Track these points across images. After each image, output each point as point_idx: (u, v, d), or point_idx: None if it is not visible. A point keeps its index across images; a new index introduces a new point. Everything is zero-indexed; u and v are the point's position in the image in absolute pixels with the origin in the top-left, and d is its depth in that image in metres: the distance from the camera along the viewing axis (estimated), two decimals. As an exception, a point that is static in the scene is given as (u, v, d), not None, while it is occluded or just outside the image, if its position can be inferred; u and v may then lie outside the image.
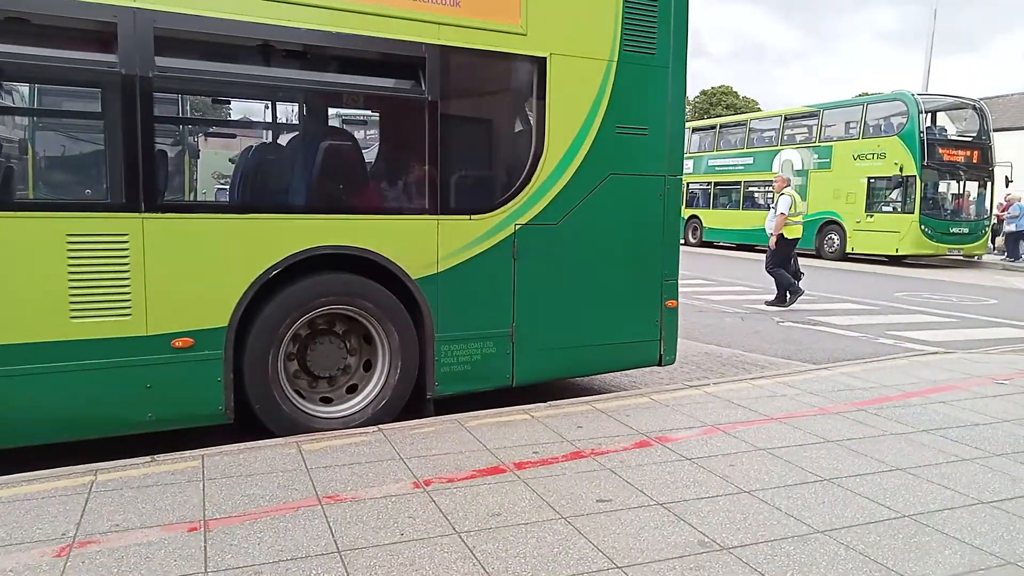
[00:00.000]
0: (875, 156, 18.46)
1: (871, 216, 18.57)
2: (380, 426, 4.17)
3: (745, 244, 22.05)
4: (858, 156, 18.94)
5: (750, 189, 22.51)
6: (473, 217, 4.48)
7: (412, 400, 4.51)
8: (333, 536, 2.83)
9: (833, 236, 19.54)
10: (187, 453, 3.66)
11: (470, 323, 4.54)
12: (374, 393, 4.39)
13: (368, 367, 4.46)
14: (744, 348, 7.46)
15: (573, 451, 3.85)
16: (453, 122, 4.48)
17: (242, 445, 3.81)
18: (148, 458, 3.58)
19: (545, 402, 4.73)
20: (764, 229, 10.85)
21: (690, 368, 6.47)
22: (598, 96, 4.73)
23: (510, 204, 4.57)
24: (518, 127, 4.99)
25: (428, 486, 3.34)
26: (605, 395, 5.01)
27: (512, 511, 3.09)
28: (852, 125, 19.70)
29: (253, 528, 2.88)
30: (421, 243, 4.35)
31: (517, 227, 4.58)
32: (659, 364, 5.25)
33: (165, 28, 3.67)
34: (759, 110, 29.09)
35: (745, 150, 22.73)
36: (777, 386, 5.30)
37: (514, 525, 2.96)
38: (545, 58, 4.55)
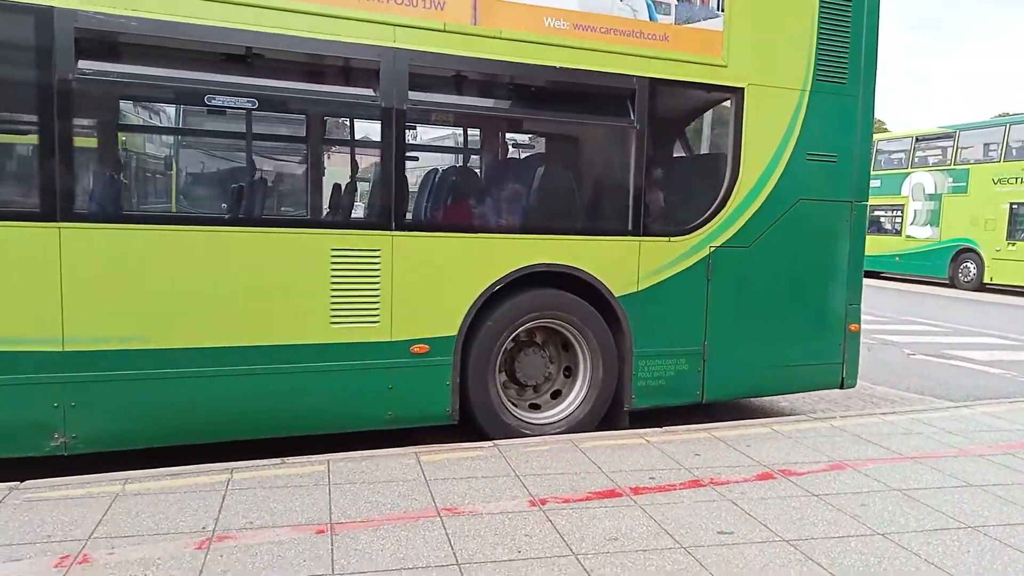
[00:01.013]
0: (1018, 180, 17.16)
1: (1013, 244, 17.22)
2: (495, 442, 4.21)
3: (870, 271, 20.95)
4: (999, 180, 17.64)
5: (876, 213, 21.40)
6: (672, 239, 4.74)
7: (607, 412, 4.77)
8: (452, 548, 2.87)
9: (969, 265, 18.24)
10: (314, 457, 3.82)
11: (665, 340, 4.78)
12: (577, 403, 4.69)
13: (568, 373, 4.79)
14: (871, 381, 7.05)
15: (691, 479, 3.75)
16: (657, 149, 4.81)
17: (364, 453, 3.93)
18: (279, 460, 3.76)
19: (660, 427, 4.65)
20: (891, 256, 10.25)
21: (812, 399, 6.18)
22: (791, 124, 4.93)
23: (706, 227, 4.81)
24: (715, 154, 5.21)
25: (544, 505, 3.33)
26: (723, 423, 4.86)
27: (630, 536, 3.04)
28: (992, 147, 18.37)
29: (376, 535, 2.96)
30: (624, 263, 4.63)
31: (712, 249, 4.81)
32: (840, 387, 5.34)
33: (419, 66, 4.11)
34: (886, 131, 27.77)
35: (872, 172, 21.61)
36: (911, 423, 4.98)
37: (632, 551, 2.91)
38: (743, 88, 4.77)
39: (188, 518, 3.06)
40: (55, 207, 3.47)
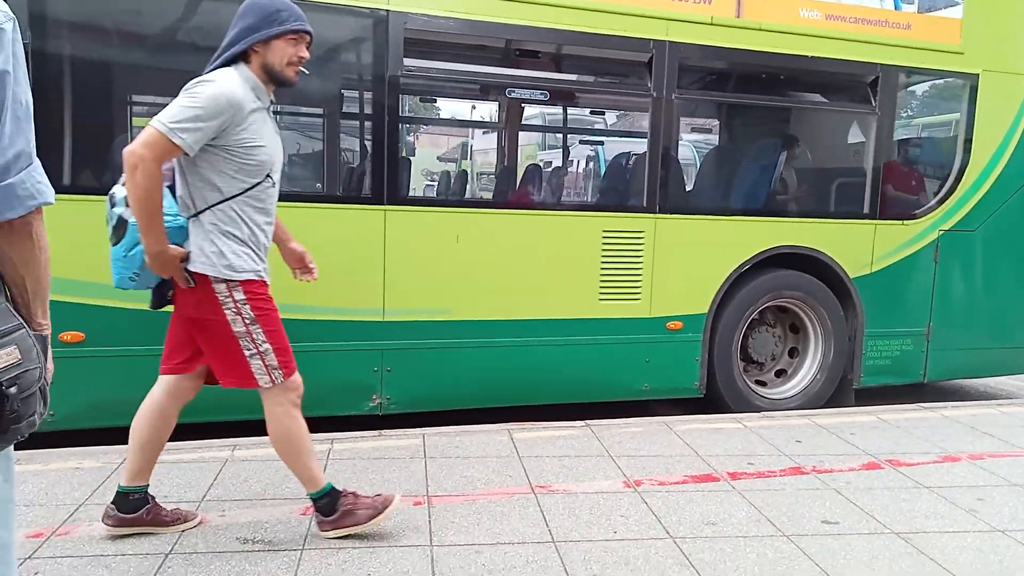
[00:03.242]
0: None
1: None
2: (588, 422, 4.18)
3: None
4: None
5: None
6: (905, 223, 4.93)
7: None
8: (547, 525, 2.87)
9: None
10: (410, 431, 3.90)
11: (894, 320, 4.98)
12: (808, 379, 4.92)
13: (792, 354, 5.04)
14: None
15: (792, 466, 3.62)
16: (894, 135, 5.00)
17: (458, 428, 3.98)
18: (376, 432, 3.85)
19: (758, 412, 4.52)
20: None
21: (916, 388, 5.86)
22: (1020, 109, 5.04)
23: (937, 211, 4.99)
24: (947, 138, 5.37)
25: (639, 487, 3.29)
26: (825, 411, 4.68)
27: (728, 522, 2.97)
28: None
29: (472, 509, 2.99)
30: (860, 245, 4.85)
31: (940, 233, 4.99)
32: None
33: (687, 63, 4.44)
34: None
35: None
36: (1032, 415, 4.66)
37: (732, 537, 2.84)
38: (977, 74, 4.92)
39: (293, 485, 3.15)
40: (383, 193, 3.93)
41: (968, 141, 4.97)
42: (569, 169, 7.03)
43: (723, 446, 3.88)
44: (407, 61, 3.90)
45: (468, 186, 7.47)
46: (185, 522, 2.73)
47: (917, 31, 4.77)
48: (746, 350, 4.87)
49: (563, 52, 4.64)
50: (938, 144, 5.60)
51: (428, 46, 4.16)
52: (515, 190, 6.03)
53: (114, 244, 2.44)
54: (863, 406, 4.81)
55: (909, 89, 5.31)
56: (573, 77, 5.21)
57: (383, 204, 3.92)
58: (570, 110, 6.84)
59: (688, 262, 4.50)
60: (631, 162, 5.31)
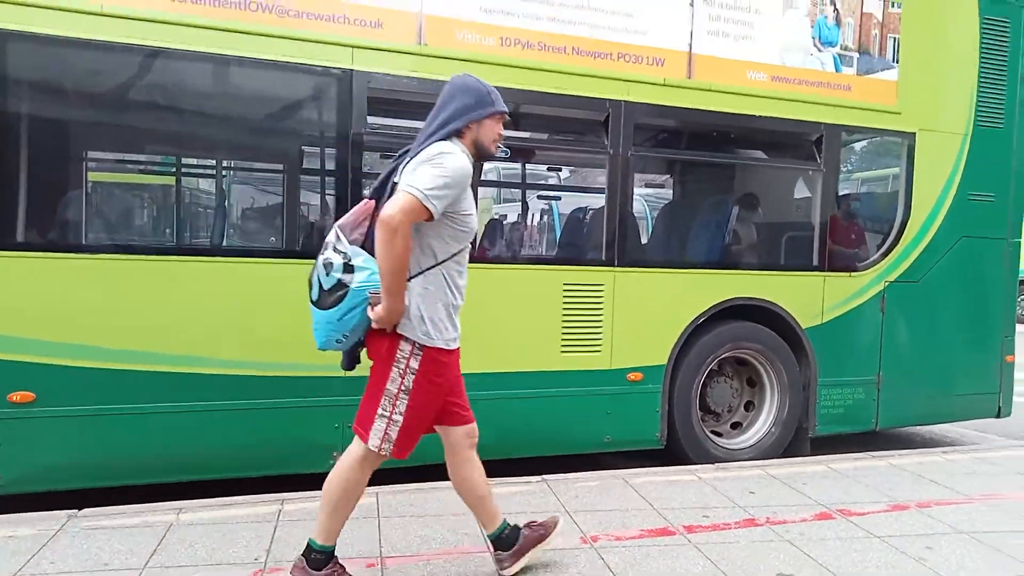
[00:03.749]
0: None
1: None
2: (544, 477, 4.16)
3: None
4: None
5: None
6: (852, 274, 5.10)
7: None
8: (504, 585, 2.82)
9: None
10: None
11: (846, 370, 5.10)
12: (765, 429, 5.00)
13: (748, 408, 5.13)
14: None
15: (746, 518, 3.65)
16: (839, 190, 5.24)
17: (413, 486, 3.91)
18: (328, 492, 3.75)
19: (712, 464, 4.55)
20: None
21: (865, 436, 5.98)
22: (955, 165, 5.28)
23: (881, 263, 5.17)
24: (889, 194, 5.58)
25: (596, 542, 3.27)
26: (777, 461, 4.74)
27: (685, 577, 2.96)
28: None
29: (427, 569, 2.94)
30: (811, 296, 4.99)
31: (886, 284, 5.16)
32: (997, 416, 5.56)
33: (641, 122, 4.59)
34: None
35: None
36: (975, 462, 4.79)
37: (689, 592, 2.83)
38: (914, 133, 5.15)
39: (240, 549, 3.07)
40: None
41: (908, 196, 5.19)
42: (528, 223, 7.18)
43: (679, 499, 3.89)
44: (370, 119, 3.95)
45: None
46: None
47: (857, 92, 5.01)
48: (704, 400, 4.94)
49: (524, 112, 4.69)
50: (880, 199, 5.82)
51: (391, 105, 4.19)
52: (480, 244, 6.02)
53: (325, 308, 2.53)
54: (816, 455, 4.90)
55: (851, 147, 5.57)
56: (533, 135, 5.31)
57: None
58: (529, 166, 6.92)
59: (647, 314, 4.58)
60: (589, 216, 5.42)
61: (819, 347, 4.98)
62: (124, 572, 2.81)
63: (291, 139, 4.17)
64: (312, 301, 2.56)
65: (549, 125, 4.97)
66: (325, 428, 3.87)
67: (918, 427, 6.10)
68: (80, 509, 3.41)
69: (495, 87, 2.68)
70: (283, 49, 3.74)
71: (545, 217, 8.37)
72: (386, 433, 2.55)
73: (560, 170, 8.06)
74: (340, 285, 2.49)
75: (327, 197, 4.22)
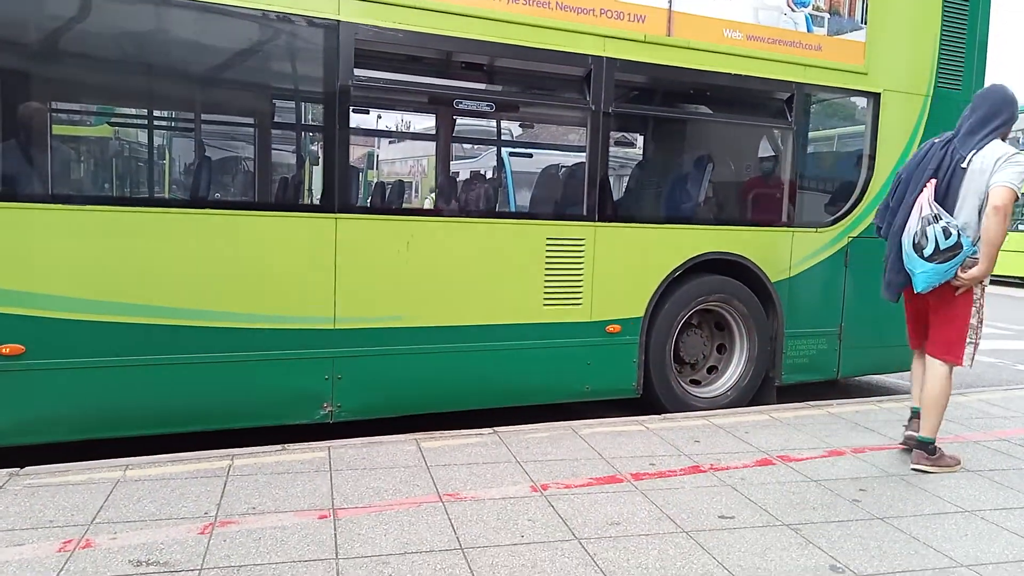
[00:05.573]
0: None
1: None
2: (496, 429, 4.22)
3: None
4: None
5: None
6: (819, 230, 5.30)
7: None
8: (455, 533, 2.88)
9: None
10: (315, 444, 3.82)
11: (810, 321, 5.35)
12: (734, 378, 5.23)
13: (721, 350, 5.34)
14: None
15: (691, 465, 3.77)
16: (807, 148, 5.46)
17: (365, 440, 3.93)
18: (279, 447, 3.76)
19: (659, 415, 4.67)
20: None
21: (802, 387, 6.19)
22: (916, 126, 5.47)
23: (846, 219, 5.37)
24: (854, 152, 5.74)
25: (545, 491, 3.35)
26: (722, 411, 4.88)
27: (632, 521, 3.05)
28: None
29: (379, 519, 2.97)
30: (779, 251, 5.18)
31: (850, 239, 5.37)
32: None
33: (622, 79, 4.68)
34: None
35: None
36: (907, 410, 4.99)
37: (635, 535, 2.92)
38: (879, 93, 5.32)
39: (190, 504, 3.06)
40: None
41: (872, 155, 5.37)
42: (512, 180, 7.65)
43: (627, 448, 3.99)
44: (357, 72, 3.92)
45: (419, 195, 7.72)
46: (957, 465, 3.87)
47: (827, 52, 5.13)
48: (678, 352, 5.10)
49: (506, 66, 4.81)
50: (846, 158, 5.98)
51: (377, 57, 4.21)
52: (464, 199, 6.27)
53: (940, 262, 3.56)
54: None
55: (821, 106, 5.71)
56: (515, 90, 5.46)
57: (334, 212, 3.95)
58: (509, 122, 7.11)
59: (625, 268, 4.70)
60: (570, 172, 5.51)
61: (786, 299, 5.20)
62: (70, 528, 2.78)
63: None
64: (923, 255, 3.57)
65: (531, 81, 5.06)
66: (315, 379, 3.97)
67: (859, 378, 6.33)
68: (22, 467, 3.35)
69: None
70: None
71: (524, 173, 8.61)
72: (974, 354, 3.72)
73: (534, 127, 8.27)
74: (956, 247, 3.51)
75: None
